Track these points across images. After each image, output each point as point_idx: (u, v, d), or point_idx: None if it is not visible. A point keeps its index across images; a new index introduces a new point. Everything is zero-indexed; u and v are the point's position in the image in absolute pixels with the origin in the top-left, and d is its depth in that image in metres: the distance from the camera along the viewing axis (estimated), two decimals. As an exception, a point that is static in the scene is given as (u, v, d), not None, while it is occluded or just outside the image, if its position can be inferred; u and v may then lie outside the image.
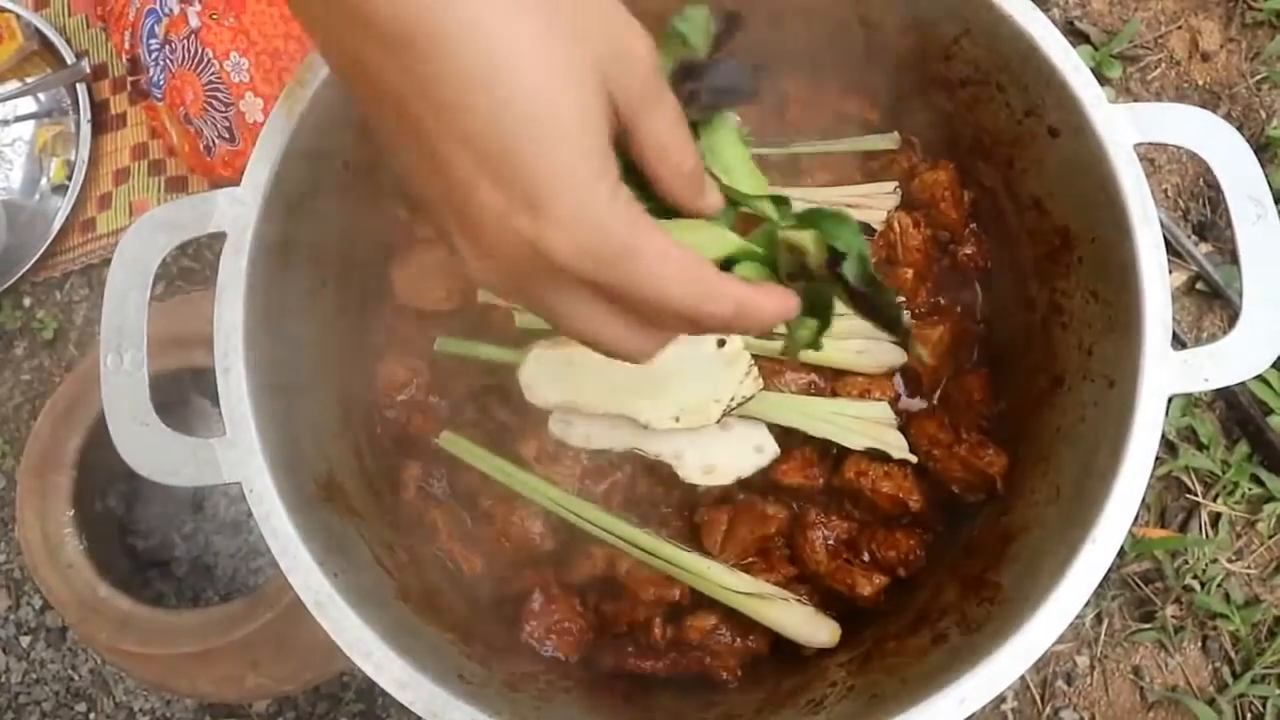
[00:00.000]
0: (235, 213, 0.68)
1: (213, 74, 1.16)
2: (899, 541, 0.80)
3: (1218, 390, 1.24)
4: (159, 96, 1.22)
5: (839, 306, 0.53)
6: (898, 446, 0.81)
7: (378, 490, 0.83)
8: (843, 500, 0.82)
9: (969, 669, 0.63)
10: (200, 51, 1.16)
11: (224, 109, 1.17)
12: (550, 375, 0.80)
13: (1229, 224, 1.30)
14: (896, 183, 0.84)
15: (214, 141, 1.20)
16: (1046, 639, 0.63)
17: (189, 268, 1.33)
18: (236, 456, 0.66)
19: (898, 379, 0.84)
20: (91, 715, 1.26)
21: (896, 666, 0.70)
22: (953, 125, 0.84)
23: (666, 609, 0.79)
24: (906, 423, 0.84)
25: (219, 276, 0.68)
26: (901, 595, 0.80)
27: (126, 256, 0.68)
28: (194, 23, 1.16)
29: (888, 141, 0.88)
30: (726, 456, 0.80)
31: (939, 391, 0.86)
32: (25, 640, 1.28)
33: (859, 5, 0.80)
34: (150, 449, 0.66)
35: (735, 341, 0.80)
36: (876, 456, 0.81)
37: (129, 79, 1.31)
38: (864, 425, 0.81)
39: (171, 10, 1.19)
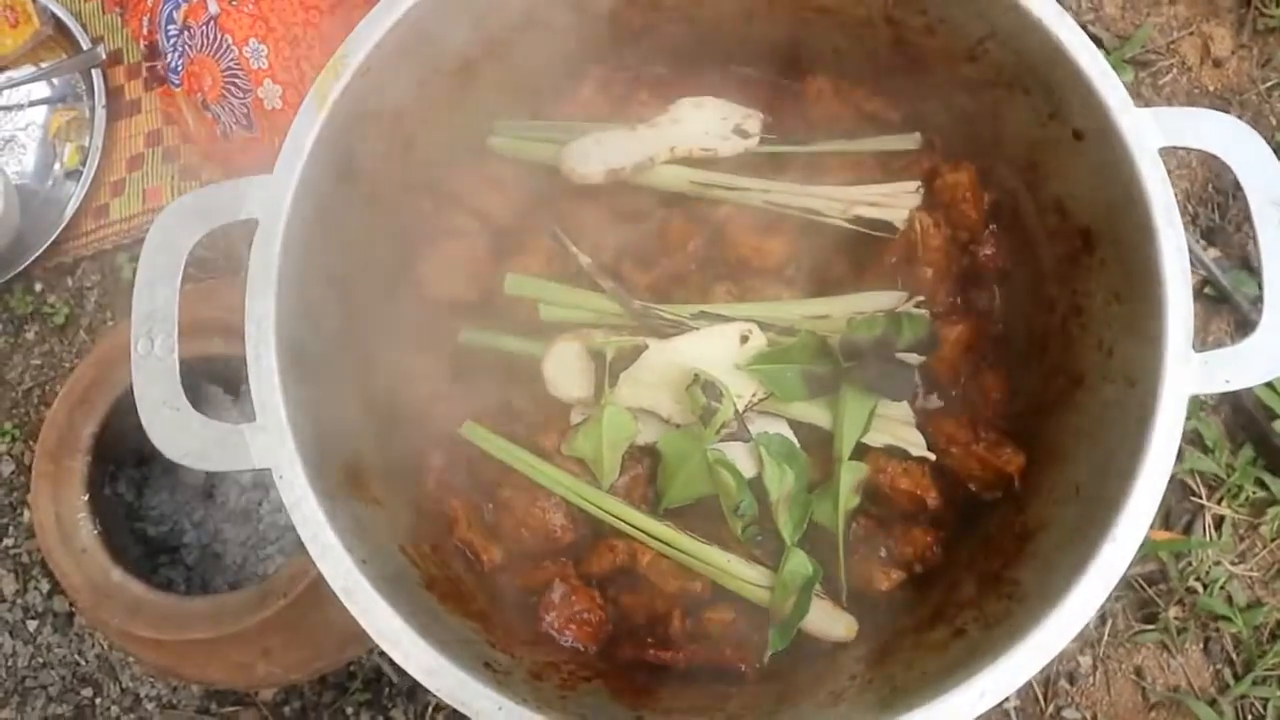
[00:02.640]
0: (268, 200, 0.69)
1: (231, 60, 1.16)
2: (916, 538, 0.81)
3: (1223, 393, 1.26)
4: (177, 82, 1.22)
5: None
6: (916, 444, 0.82)
7: (400, 480, 0.83)
8: (861, 496, 0.83)
9: (989, 663, 0.64)
10: (219, 38, 1.16)
11: (242, 95, 1.17)
12: (573, 369, 0.81)
13: (1237, 229, 1.32)
14: (919, 182, 0.85)
15: (231, 128, 1.20)
16: (1067, 635, 0.64)
17: (203, 256, 1.33)
18: (267, 443, 0.66)
19: (917, 377, 0.85)
20: (98, 700, 1.26)
21: (915, 660, 0.71)
22: (975, 127, 0.85)
23: (686, 601, 0.80)
24: (925, 421, 0.85)
25: (250, 265, 0.68)
26: (918, 591, 0.81)
27: (157, 242, 0.69)
28: (213, 9, 1.16)
29: (909, 142, 0.89)
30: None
31: (957, 390, 0.87)
32: (32, 624, 1.28)
33: (885, 5, 0.81)
34: (180, 434, 0.67)
35: (758, 338, 0.80)
36: (895, 454, 0.82)
37: (146, 65, 1.31)
38: (883, 423, 0.82)
39: (190, -4, 1.19)
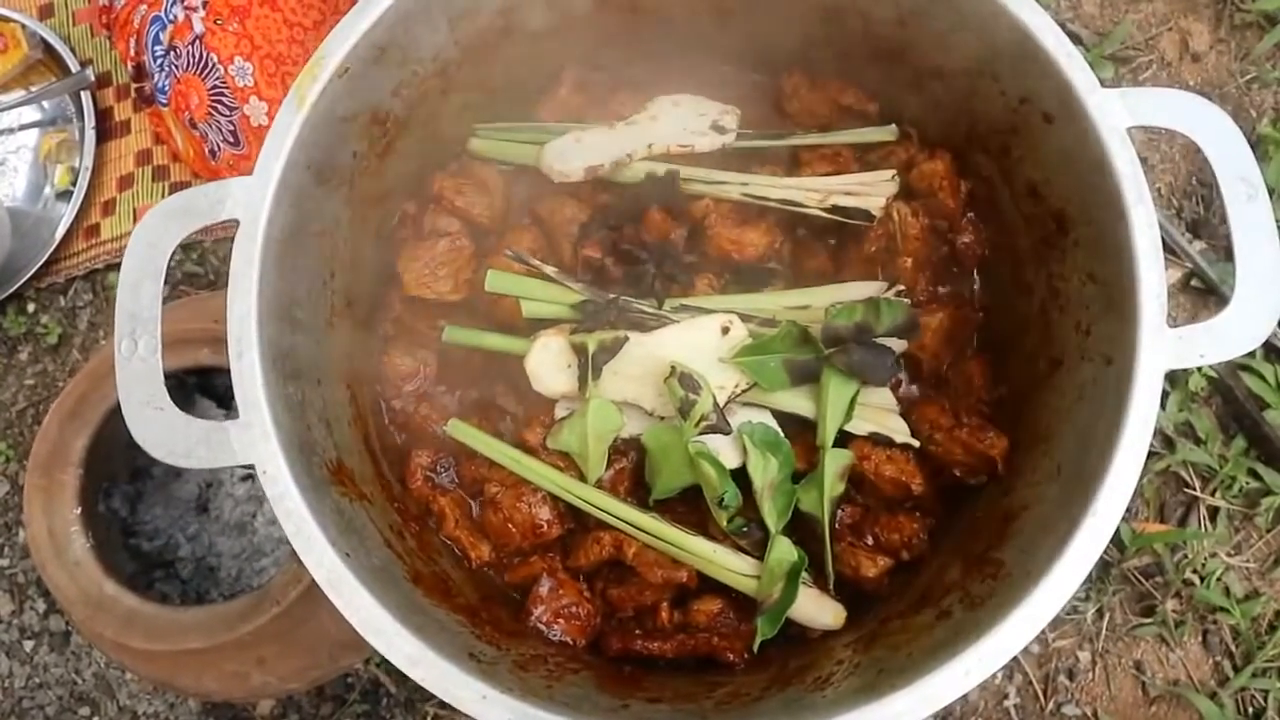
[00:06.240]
0: (248, 200, 0.70)
1: (217, 78, 1.18)
2: (902, 525, 0.81)
3: (1214, 384, 1.26)
4: (164, 102, 1.23)
5: None
6: (900, 431, 0.82)
7: (386, 478, 0.83)
8: (847, 485, 0.83)
9: (974, 642, 0.64)
10: (205, 57, 1.17)
11: (228, 113, 1.19)
12: (556, 364, 0.81)
13: (1222, 220, 1.32)
14: (894, 170, 0.85)
15: (219, 145, 1.22)
16: (1050, 610, 0.64)
17: (193, 272, 1.34)
18: (250, 439, 0.67)
19: (899, 364, 0.85)
20: (95, 719, 1.26)
21: (902, 643, 0.71)
22: (949, 116, 0.86)
23: (673, 592, 0.80)
24: (908, 408, 0.85)
25: (232, 263, 0.69)
26: (905, 576, 0.81)
27: (141, 243, 0.70)
28: (198, 28, 1.17)
29: (885, 133, 0.90)
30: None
31: (940, 377, 0.87)
32: (29, 645, 1.28)
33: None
34: (164, 432, 0.67)
35: (739, 329, 0.81)
36: (879, 441, 0.82)
37: (133, 85, 1.33)
38: (867, 411, 0.82)
39: (176, 17, 1.20)
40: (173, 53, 1.21)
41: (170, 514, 1.22)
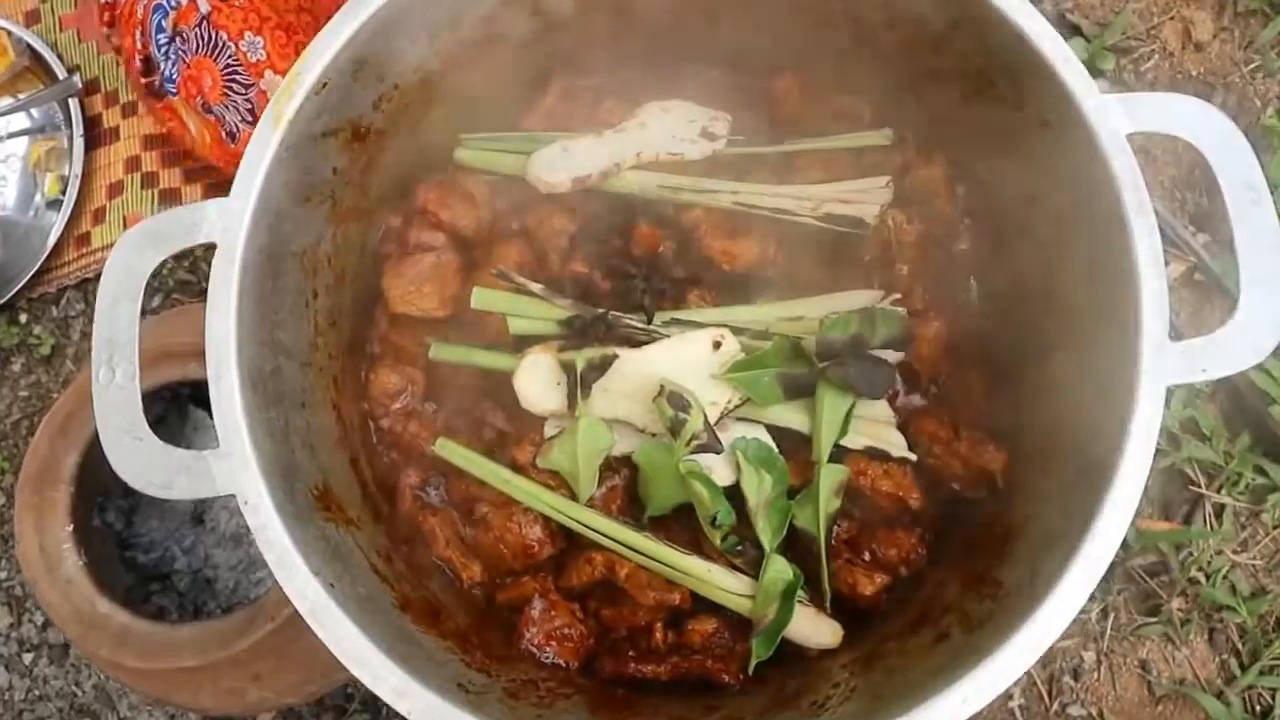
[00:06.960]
0: (225, 222, 0.68)
1: (229, 57, 1.15)
2: (900, 540, 0.80)
3: (1219, 381, 1.24)
4: (173, 91, 1.21)
5: None
6: (897, 445, 0.81)
7: (375, 500, 0.82)
8: (843, 500, 0.81)
9: (971, 668, 0.62)
10: (214, 36, 1.15)
11: (244, 91, 1.17)
12: (545, 382, 0.80)
13: (1226, 214, 1.30)
14: (889, 177, 0.84)
15: (237, 126, 1.19)
16: (1049, 635, 0.62)
17: (185, 280, 1.33)
18: (230, 468, 0.65)
19: (896, 375, 0.84)
20: (96, 731, 1.26)
21: (899, 667, 0.70)
22: (945, 120, 0.84)
23: (667, 613, 0.79)
24: (906, 420, 0.84)
25: (210, 286, 0.68)
26: (903, 594, 0.80)
27: (117, 269, 0.68)
28: (204, 8, 1.15)
29: (880, 138, 0.88)
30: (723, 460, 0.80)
31: (938, 388, 0.86)
32: (28, 657, 1.28)
33: (849, 1, 0.80)
34: (144, 463, 0.66)
35: (731, 343, 0.79)
36: (876, 455, 0.81)
37: (143, 80, 1.31)
38: (863, 424, 0.81)
39: (179, 2, 1.18)
40: (179, 38, 1.19)
41: (166, 526, 1.22)
